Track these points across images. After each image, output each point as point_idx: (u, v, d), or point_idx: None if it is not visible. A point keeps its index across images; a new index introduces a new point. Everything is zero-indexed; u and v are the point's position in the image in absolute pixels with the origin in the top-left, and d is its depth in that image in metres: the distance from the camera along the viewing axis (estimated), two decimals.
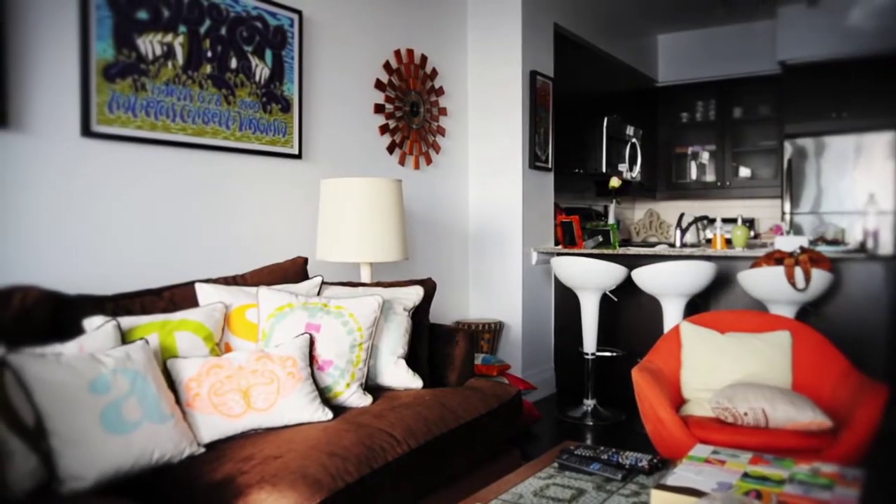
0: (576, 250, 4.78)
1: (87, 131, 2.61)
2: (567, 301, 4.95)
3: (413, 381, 2.67)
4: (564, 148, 5.32)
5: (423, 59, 4.40)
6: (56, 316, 2.22)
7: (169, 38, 2.88)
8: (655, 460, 2.10)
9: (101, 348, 2.05)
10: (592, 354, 4.50)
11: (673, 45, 7.35)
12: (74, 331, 2.20)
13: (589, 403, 4.49)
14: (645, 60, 7.06)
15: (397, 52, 4.19)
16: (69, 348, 2.02)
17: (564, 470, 2.09)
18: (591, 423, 4.33)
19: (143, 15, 2.78)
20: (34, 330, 2.12)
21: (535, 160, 4.82)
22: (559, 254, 4.79)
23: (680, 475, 1.85)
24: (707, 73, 7.07)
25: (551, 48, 5.07)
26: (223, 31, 3.09)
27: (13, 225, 2.43)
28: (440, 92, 4.54)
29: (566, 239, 4.88)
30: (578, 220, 4.90)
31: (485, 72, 4.83)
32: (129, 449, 1.88)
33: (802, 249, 3.72)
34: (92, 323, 2.20)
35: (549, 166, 5.05)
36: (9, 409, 1.68)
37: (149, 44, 2.80)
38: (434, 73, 4.48)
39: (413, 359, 2.78)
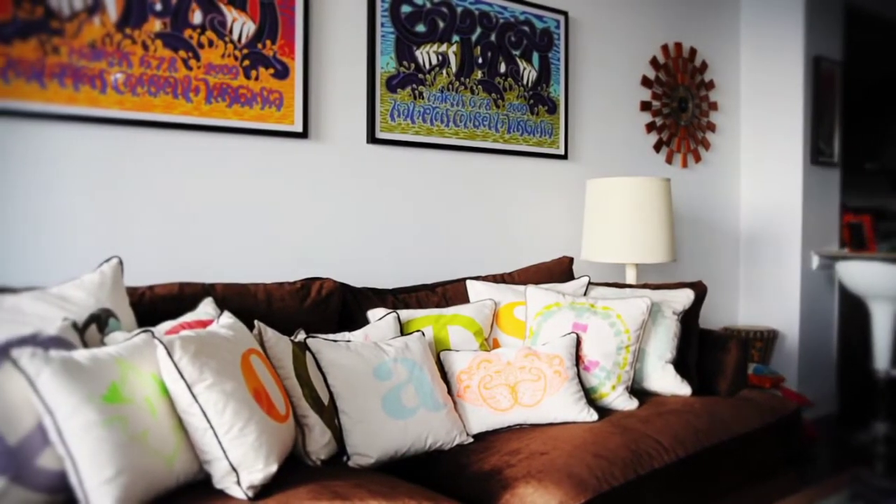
0: (867, 254, 4.29)
1: (372, 138, 2.85)
2: (854, 311, 4.45)
3: (681, 388, 2.56)
4: (853, 140, 4.78)
5: (692, 52, 4.20)
6: (344, 306, 2.45)
7: (444, 48, 3.04)
8: None
9: (382, 338, 2.21)
10: (886, 373, 4.00)
11: None
12: (360, 320, 2.42)
13: (880, 428, 4.00)
14: None
15: (664, 47, 4.05)
16: (356, 336, 2.22)
17: (856, 500, 1.87)
18: (882, 451, 3.86)
19: (420, 28, 2.96)
20: (327, 317, 2.36)
21: (817, 155, 4.39)
22: (846, 258, 4.33)
23: None
24: None
25: (840, 28, 4.57)
26: (492, 37, 3.20)
27: (311, 222, 2.72)
28: (710, 86, 4.31)
29: (854, 242, 4.41)
30: (870, 221, 4.40)
31: (760, 62, 4.49)
32: (406, 432, 2.01)
33: None
34: (375, 314, 2.40)
35: (835, 161, 4.57)
36: (310, 387, 1.89)
37: (425, 54, 2.99)
38: (703, 66, 4.27)
39: (681, 364, 2.66)
